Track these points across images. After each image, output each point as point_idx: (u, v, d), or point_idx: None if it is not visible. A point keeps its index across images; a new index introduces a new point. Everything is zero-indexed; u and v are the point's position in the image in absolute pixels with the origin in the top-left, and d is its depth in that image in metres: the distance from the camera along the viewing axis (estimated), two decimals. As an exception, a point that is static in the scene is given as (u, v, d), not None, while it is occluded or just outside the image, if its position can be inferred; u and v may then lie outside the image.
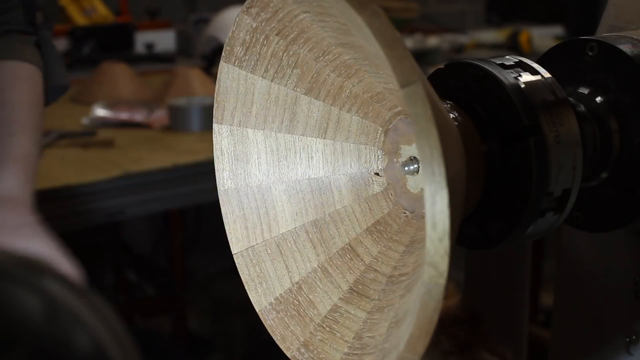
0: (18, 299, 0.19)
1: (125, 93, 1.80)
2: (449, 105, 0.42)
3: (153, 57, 2.36)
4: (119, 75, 1.83)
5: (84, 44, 2.22)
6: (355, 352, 0.40)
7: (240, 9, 0.42)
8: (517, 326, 0.75)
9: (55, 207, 1.19)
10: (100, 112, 1.61)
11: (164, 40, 2.47)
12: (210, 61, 2.05)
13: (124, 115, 1.60)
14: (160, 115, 1.59)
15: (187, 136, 1.47)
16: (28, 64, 0.66)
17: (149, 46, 2.38)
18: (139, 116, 1.60)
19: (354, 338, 0.41)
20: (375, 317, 0.41)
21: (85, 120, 1.57)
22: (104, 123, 1.56)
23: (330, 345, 0.41)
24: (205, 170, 1.27)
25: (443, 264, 0.30)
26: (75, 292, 0.20)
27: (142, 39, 2.39)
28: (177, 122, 1.52)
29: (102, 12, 2.39)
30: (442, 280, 0.30)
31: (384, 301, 0.41)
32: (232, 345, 1.94)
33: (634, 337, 0.55)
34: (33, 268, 0.20)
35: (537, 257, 1.65)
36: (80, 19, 2.34)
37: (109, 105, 1.65)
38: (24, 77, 0.66)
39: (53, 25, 0.73)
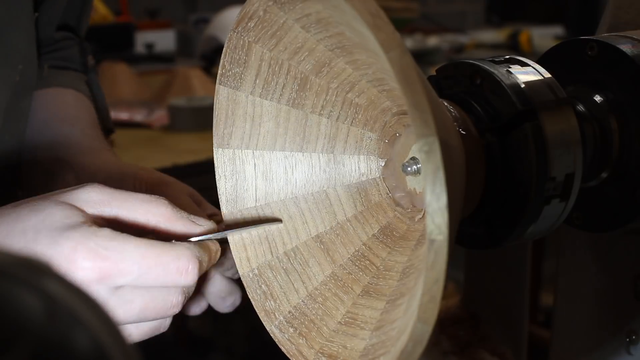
0: (17, 299, 0.19)
1: (125, 93, 1.80)
2: (449, 105, 0.42)
3: (153, 57, 2.36)
4: (119, 75, 1.83)
5: (84, 44, 2.22)
6: (372, 345, 0.40)
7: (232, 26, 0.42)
8: (517, 326, 0.75)
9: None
10: (101, 112, 1.61)
11: (164, 40, 2.47)
12: (210, 61, 2.05)
13: (124, 115, 1.60)
14: (160, 115, 1.59)
15: (187, 136, 1.47)
16: (83, 95, 0.72)
17: (149, 46, 2.38)
18: (139, 116, 1.60)
19: (370, 336, 0.41)
20: (386, 315, 0.41)
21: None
22: (104, 123, 1.56)
23: (347, 347, 0.41)
24: (206, 170, 1.26)
25: (442, 262, 0.30)
26: (75, 292, 0.20)
27: (142, 39, 2.39)
28: (177, 122, 1.52)
29: (102, 12, 2.39)
30: (442, 280, 0.30)
31: (394, 298, 0.41)
32: (232, 345, 1.94)
33: (634, 337, 0.55)
34: (33, 268, 0.20)
35: (537, 257, 1.65)
36: (80, 19, 2.33)
37: (109, 105, 1.65)
38: (83, 102, 0.71)
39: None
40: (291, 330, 0.43)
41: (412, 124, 0.30)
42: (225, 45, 0.43)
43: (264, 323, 0.44)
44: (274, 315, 0.44)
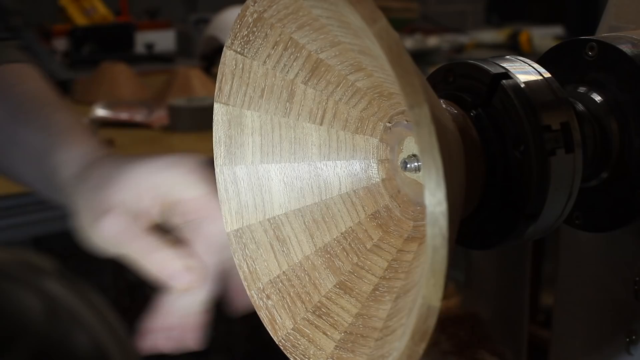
0: (18, 299, 0.19)
1: (125, 93, 1.80)
2: (448, 106, 0.42)
3: (153, 57, 2.36)
4: (119, 75, 1.83)
5: (84, 44, 2.22)
6: (350, 336, 0.40)
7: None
8: (517, 326, 0.75)
9: (56, 207, 1.19)
10: (101, 112, 1.61)
11: (164, 40, 2.47)
12: (210, 61, 2.05)
13: (124, 115, 1.60)
14: (160, 115, 1.59)
15: (187, 136, 1.47)
16: (20, 64, 0.63)
17: (149, 46, 2.38)
18: (139, 116, 1.61)
19: (348, 325, 0.41)
20: (372, 303, 0.41)
21: (85, 121, 1.57)
22: (104, 123, 1.56)
23: (322, 332, 0.41)
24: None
25: (443, 263, 0.30)
26: (75, 292, 0.20)
27: (142, 39, 2.39)
28: (177, 122, 1.52)
29: (102, 12, 2.39)
30: (442, 280, 0.30)
31: (383, 287, 0.41)
32: (232, 346, 1.94)
33: (634, 337, 0.55)
34: (33, 268, 0.20)
35: (537, 257, 1.65)
36: (80, 19, 2.34)
37: (109, 105, 1.65)
38: (25, 73, 0.62)
39: (44, 25, 0.70)
40: (268, 299, 0.43)
41: (401, 94, 0.29)
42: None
43: (245, 287, 0.44)
44: (257, 280, 0.44)
